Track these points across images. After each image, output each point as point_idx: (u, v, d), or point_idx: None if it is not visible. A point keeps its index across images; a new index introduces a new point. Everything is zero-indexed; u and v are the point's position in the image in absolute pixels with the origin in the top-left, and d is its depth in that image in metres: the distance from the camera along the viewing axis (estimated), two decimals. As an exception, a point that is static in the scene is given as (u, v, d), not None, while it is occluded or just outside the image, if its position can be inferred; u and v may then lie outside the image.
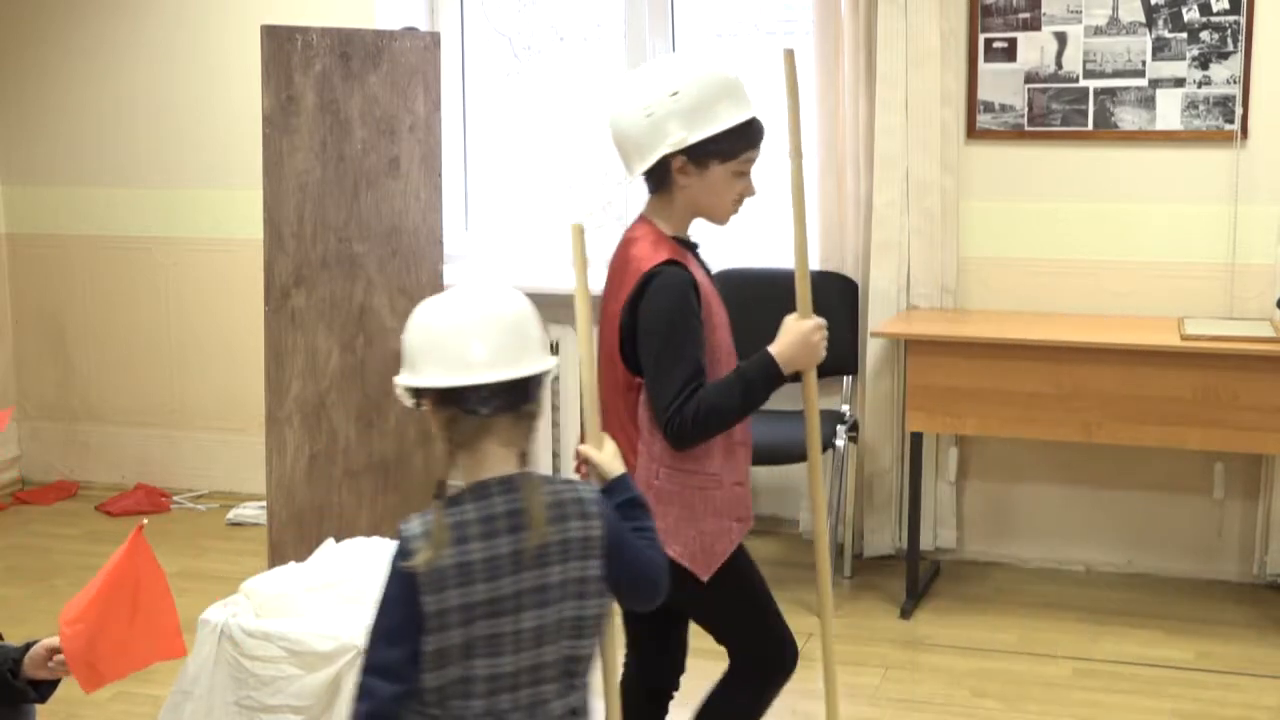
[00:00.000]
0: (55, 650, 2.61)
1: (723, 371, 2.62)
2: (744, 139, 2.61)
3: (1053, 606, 4.57)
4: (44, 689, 2.66)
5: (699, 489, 2.65)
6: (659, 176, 2.65)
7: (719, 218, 2.70)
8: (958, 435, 4.81)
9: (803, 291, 2.65)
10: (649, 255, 2.61)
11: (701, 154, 2.59)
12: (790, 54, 2.68)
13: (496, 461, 2.07)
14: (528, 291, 6.14)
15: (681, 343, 2.55)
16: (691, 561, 2.65)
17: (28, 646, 2.65)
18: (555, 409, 5.35)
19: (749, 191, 2.67)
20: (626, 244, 2.69)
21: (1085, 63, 4.64)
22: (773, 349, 2.61)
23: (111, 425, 5.99)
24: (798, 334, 2.62)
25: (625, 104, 2.64)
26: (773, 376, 2.60)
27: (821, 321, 2.64)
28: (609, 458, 2.34)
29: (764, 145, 2.68)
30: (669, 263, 2.59)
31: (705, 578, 2.67)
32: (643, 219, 2.71)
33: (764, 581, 2.81)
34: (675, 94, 2.57)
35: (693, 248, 2.70)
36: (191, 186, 5.70)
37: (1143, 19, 4.57)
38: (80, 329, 5.99)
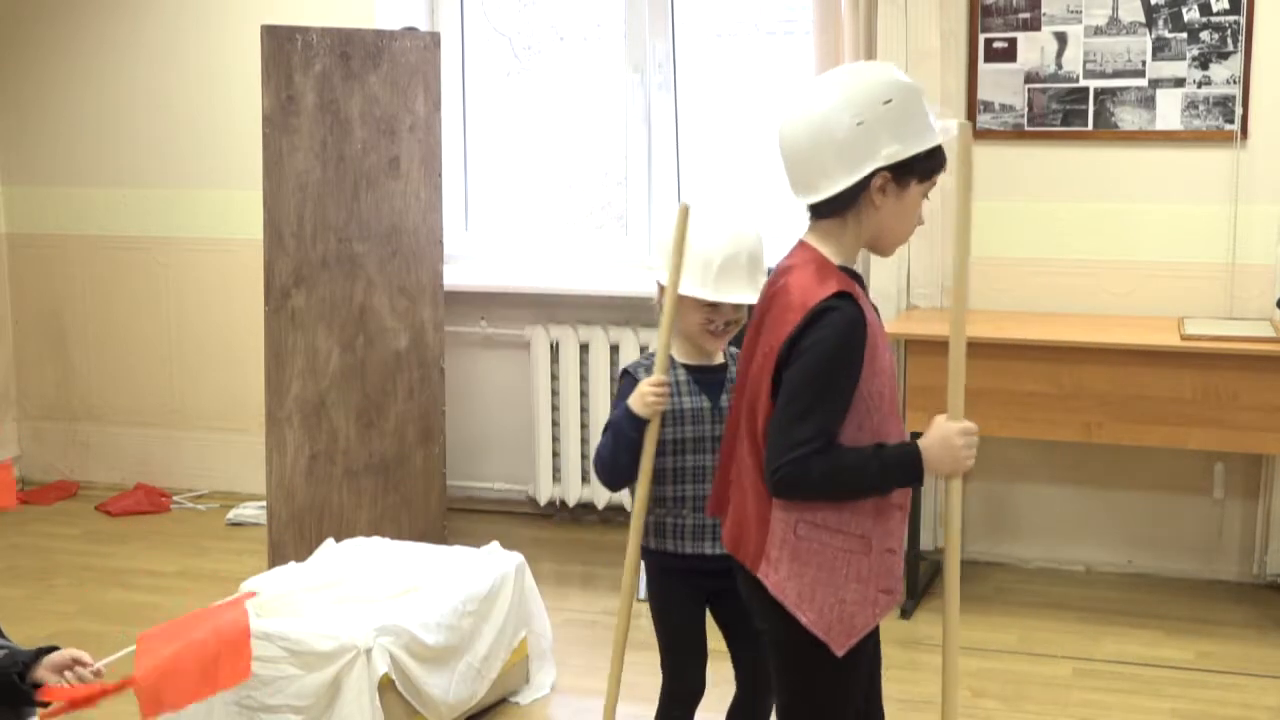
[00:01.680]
0: (79, 662, 2.59)
1: (881, 424, 2.37)
2: (939, 158, 2.38)
3: (1053, 606, 4.57)
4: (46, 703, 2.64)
5: (844, 550, 2.36)
6: (846, 197, 2.34)
7: (895, 244, 2.45)
8: (958, 435, 4.80)
9: (955, 389, 2.35)
10: (814, 287, 2.31)
11: (906, 172, 2.34)
12: (967, 127, 2.38)
13: None
14: (528, 292, 6.12)
15: (832, 387, 2.29)
16: (826, 633, 2.37)
17: (39, 652, 2.63)
18: (555, 409, 5.35)
19: (920, 221, 2.44)
20: (782, 273, 2.41)
21: (1085, 63, 4.64)
22: (922, 442, 2.34)
23: (111, 425, 5.99)
24: (941, 434, 2.33)
25: (831, 112, 2.33)
26: (911, 471, 2.33)
27: (970, 426, 2.34)
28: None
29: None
30: (840, 295, 2.30)
31: (841, 653, 2.38)
32: (804, 245, 2.42)
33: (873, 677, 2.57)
34: (888, 102, 2.32)
35: (858, 278, 2.42)
36: (191, 186, 5.70)
37: (1143, 19, 4.57)
38: (80, 329, 5.99)
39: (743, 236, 2.83)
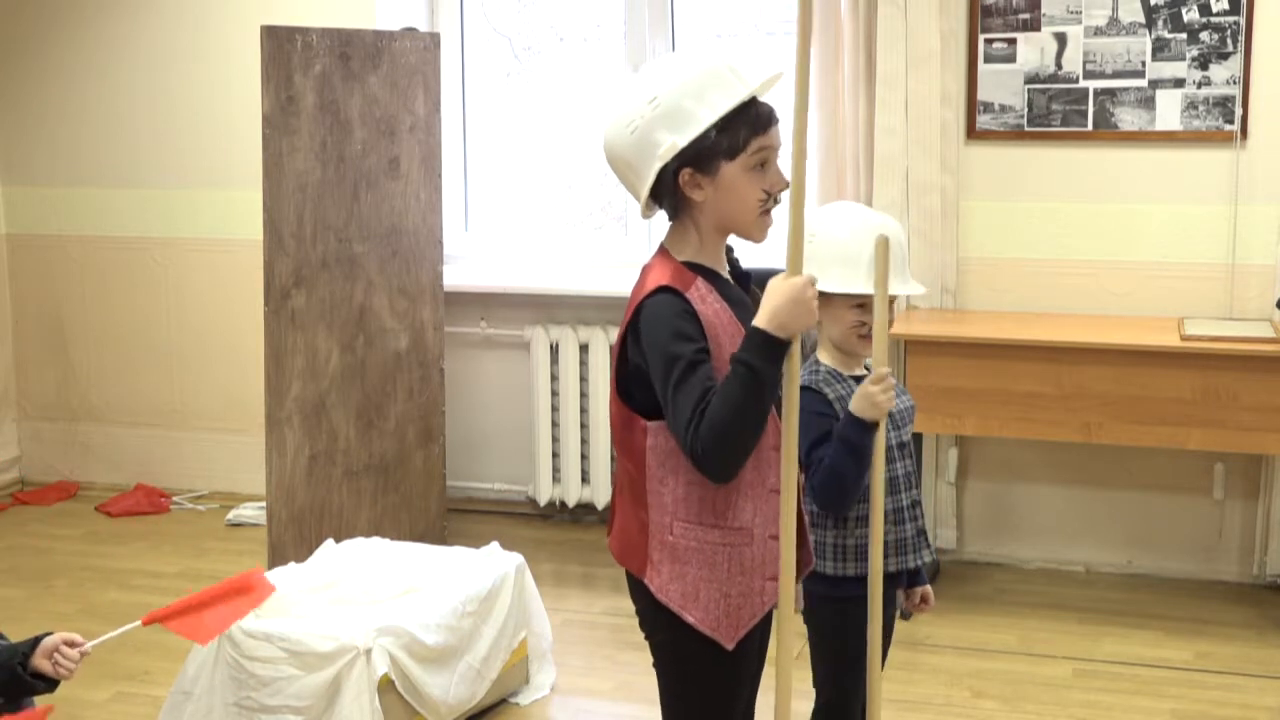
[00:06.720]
0: (68, 643, 2.63)
1: None
2: (747, 126, 2.27)
3: (1053, 606, 4.57)
4: (54, 680, 2.68)
5: (724, 545, 2.32)
6: (672, 199, 2.32)
7: (750, 227, 2.34)
8: (958, 435, 4.81)
9: (795, 247, 2.24)
10: (648, 285, 2.32)
11: (704, 156, 2.26)
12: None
13: None
14: (528, 293, 6.11)
15: (683, 371, 2.24)
16: (714, 629, 2.33)
17: (35, 640, 2.67)
18: (555, 410, 5.35)
19: (778, 185, 2.30)
20: (639, 275, 2.40)
21: (1085, 63, 4.64)
22: (758, 320, 2.21)
23: (111, 425, 5.99)
24: (787, 292, 2.20)
25: (611, 128, 2.33)
26: (768, 349, 2.20)
27: (811, 278, 2.24)
28: None
29: (779, 130, 2.31)
30: (660, 290, 2.28)
31: (731, 646, 2.34)
32: (659, 249, 2.40)
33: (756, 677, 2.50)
34: (654, 100, 2.26)
35: (708, 272, 2.35)
36: (191, 186, 5.70)
37: (1143, 19, 4.57)
38: (80, 329, 5.99)
39: (884, 229, 2.61)
